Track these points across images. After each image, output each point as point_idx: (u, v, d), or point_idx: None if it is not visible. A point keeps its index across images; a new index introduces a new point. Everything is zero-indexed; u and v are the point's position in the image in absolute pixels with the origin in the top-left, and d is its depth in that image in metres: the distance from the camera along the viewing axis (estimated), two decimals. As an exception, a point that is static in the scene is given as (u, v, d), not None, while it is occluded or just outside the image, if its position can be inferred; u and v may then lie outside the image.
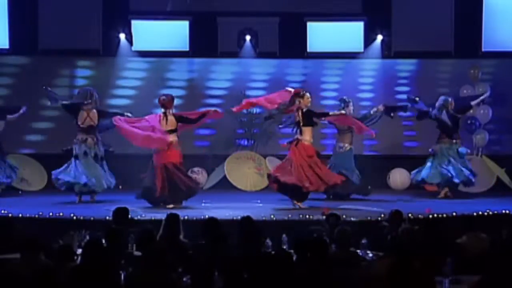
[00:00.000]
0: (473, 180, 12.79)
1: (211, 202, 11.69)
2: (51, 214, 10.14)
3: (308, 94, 11.64)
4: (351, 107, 12.65)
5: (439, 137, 12.94)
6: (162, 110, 11.57)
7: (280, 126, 12.46)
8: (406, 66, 15.14)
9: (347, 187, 12.39)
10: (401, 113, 13.65)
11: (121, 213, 8.20)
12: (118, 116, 11.78)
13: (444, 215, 10.23)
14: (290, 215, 10.32)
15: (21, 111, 12.93)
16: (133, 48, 14.64)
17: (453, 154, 12.84)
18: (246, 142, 14.58)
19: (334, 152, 12.85)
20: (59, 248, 6.49)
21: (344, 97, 12.79)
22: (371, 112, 12.80)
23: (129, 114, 12.02)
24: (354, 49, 14.88)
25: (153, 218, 9.65)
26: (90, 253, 6.00)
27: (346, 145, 12.76)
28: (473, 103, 13.39)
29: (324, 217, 8.91)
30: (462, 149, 12.94)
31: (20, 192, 13.32)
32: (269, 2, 14.65)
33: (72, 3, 14.58)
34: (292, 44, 14.76)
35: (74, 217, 9.91)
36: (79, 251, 6.82)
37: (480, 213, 10.44)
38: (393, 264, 5.78)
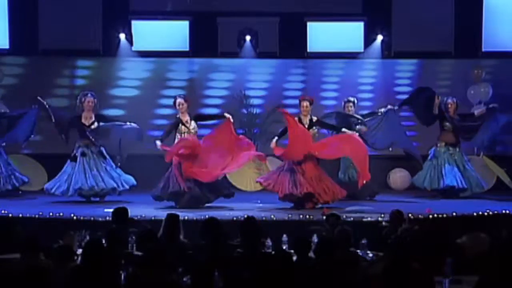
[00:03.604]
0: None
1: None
2: (51, 214, 10.14)
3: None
4: (349, 108, 12.62)
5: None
6: (183, 111, 11.56)
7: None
8: (406, 66, 15.12)
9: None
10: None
11: (121, 213, 8.21)
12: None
13: (444, 215, 10.23)
14: (290, 215, 10.32)
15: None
16: (133, 48, 14.60)
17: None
18: (246, 142, 14.54)
19: None
20: (59, 248, 6.49)
21: (349, 98, 12.76)
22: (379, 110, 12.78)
23: (133, 124, 12.00)
24: (354, 49, 14.86)
25: (153, 218, 9.67)
26: (90, 253, 6.00)
27: None
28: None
29: (324, 217, 8.92)
30: None
31: (20, 192, 13.29)
32: (269, 2, 14.63)
33: (72, 3, 14.56)
34: (292, 44, 14.74)
35: (74, 217, 9.91)
36: (79, 251, 6.82)
37: (480, 213, 10.43)
38: (390, 264, 5.78)
